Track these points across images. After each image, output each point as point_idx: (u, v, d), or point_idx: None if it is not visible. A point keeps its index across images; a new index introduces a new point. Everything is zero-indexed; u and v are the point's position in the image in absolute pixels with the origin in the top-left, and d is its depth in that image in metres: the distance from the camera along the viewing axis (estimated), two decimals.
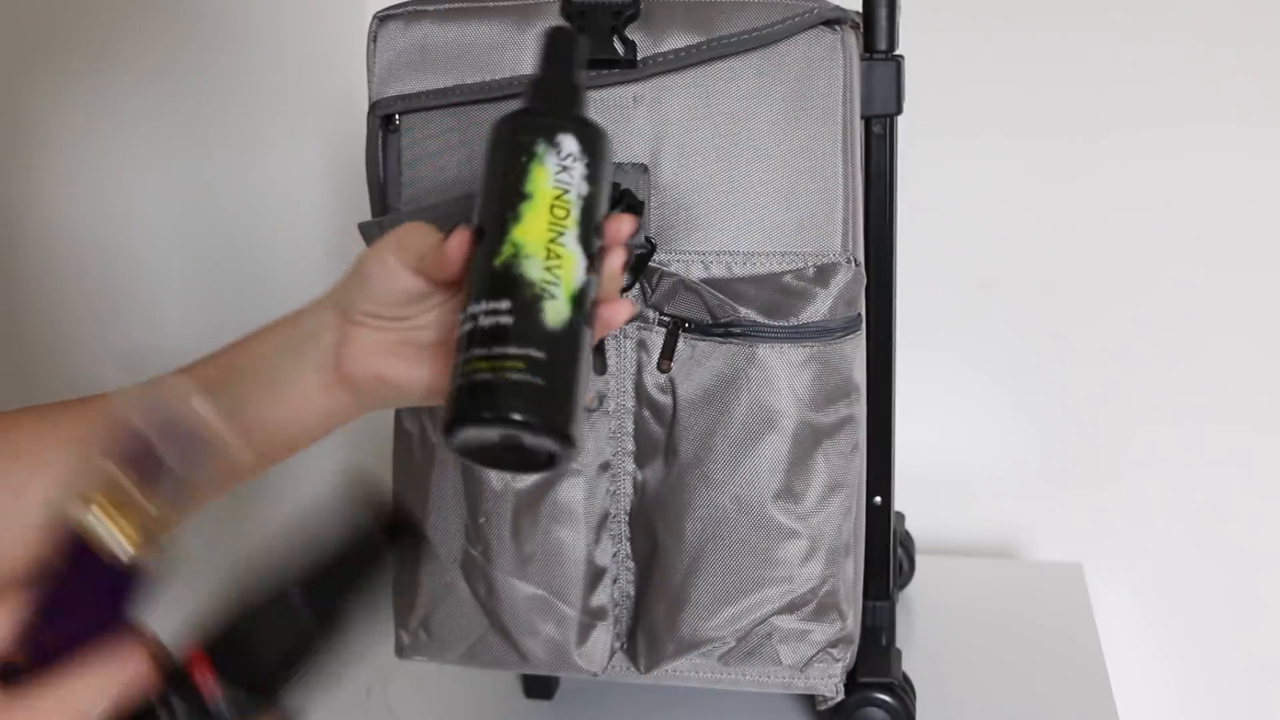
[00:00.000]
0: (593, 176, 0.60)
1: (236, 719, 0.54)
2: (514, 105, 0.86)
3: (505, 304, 0.56)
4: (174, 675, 0.54)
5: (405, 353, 0.63)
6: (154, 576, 0.53)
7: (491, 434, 0.55)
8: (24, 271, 0.91)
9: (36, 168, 0.90)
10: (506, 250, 0.57)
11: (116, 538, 0.51)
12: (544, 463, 0.57)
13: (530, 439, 0.55)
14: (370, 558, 0.56)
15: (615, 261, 0.60)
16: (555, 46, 0.64)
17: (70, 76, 0.93)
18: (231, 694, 0.54)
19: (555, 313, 0.56)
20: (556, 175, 0.59)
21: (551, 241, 0.58)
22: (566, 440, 0.55)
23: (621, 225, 0.61)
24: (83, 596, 0.52)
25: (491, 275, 0.57)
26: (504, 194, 0.59)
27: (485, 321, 0.56)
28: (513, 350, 0.55)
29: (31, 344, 0.93)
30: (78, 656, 0.51)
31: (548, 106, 0.62)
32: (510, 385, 0.54)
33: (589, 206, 0.59)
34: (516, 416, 0.54)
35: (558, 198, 0.58)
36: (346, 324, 0.63)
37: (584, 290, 0.58)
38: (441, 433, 0.56)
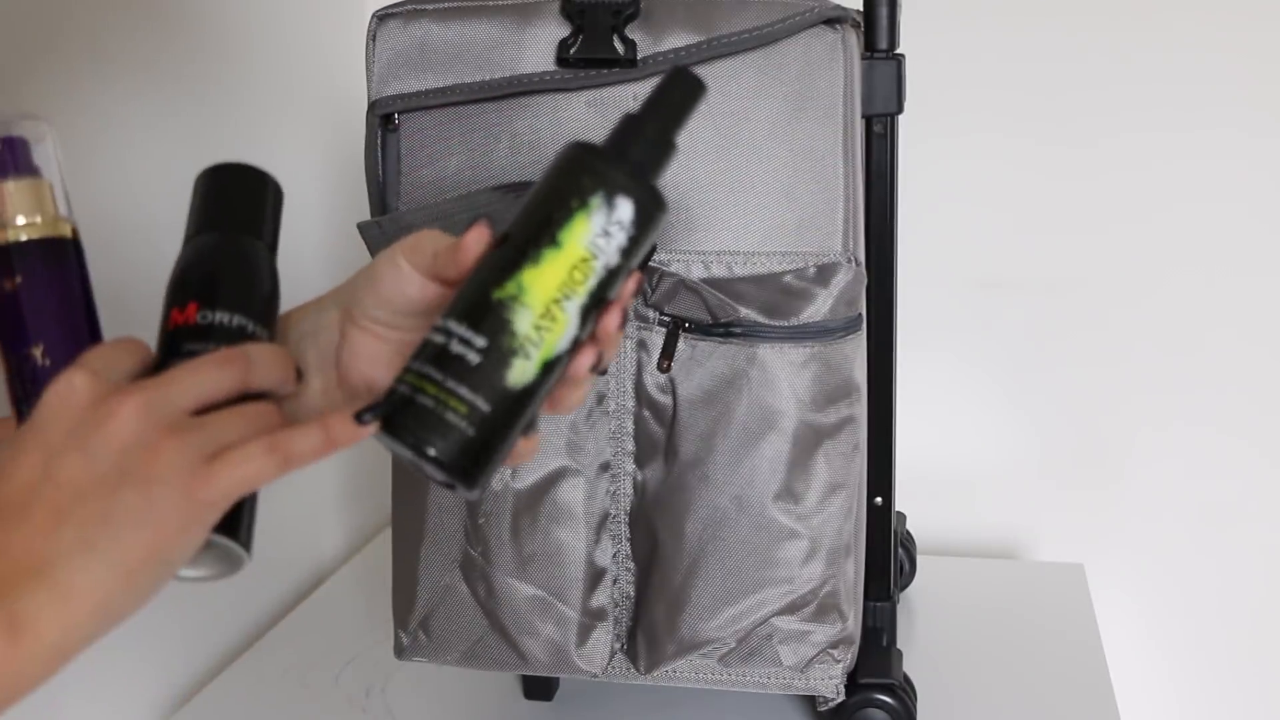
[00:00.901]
0: (629, 251, 0.57)
1: (228, 331, 0.58)
2: (512, 105, 0.86)
3: (481, 342, 0.55)
4: (164, 336, 0.59)
5: (399, 366, 0.62)
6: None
7: (406, 449, 0.55)
8: None
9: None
10: (509, 288, 0.55)
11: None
12: (440, 482, 0.57)
13: (437, 474, 0.56)
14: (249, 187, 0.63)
15: (611, 321, 0.58)
16: (675, 92, 0.59)
17: (70, 78, 0.93)
18: (214, 315, 0.58)
19: (521, 373, 0.55)
20: (595, 238, 0.56)
21: (555, 302, 0.56)
22: (471, 485, 0.56)
23: (627, 283, 0.59)
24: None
25: (483, 303, 0.56)
26: (538, 227, 0.56)
27: (455, 348, 0.55)
28: (464, 393, 0.54)
29: None
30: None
31: (628, 158, 0.57)
32: (444, 424, 0.54)
33: (608, 279, 0.57)
34: (433, 453, 0.54)
35: (584, 260, 0.56)
36: (349, 325, 0.62)
37: (559, 359, 0.56)
38: (365, 410, 0.56)
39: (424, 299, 0.61)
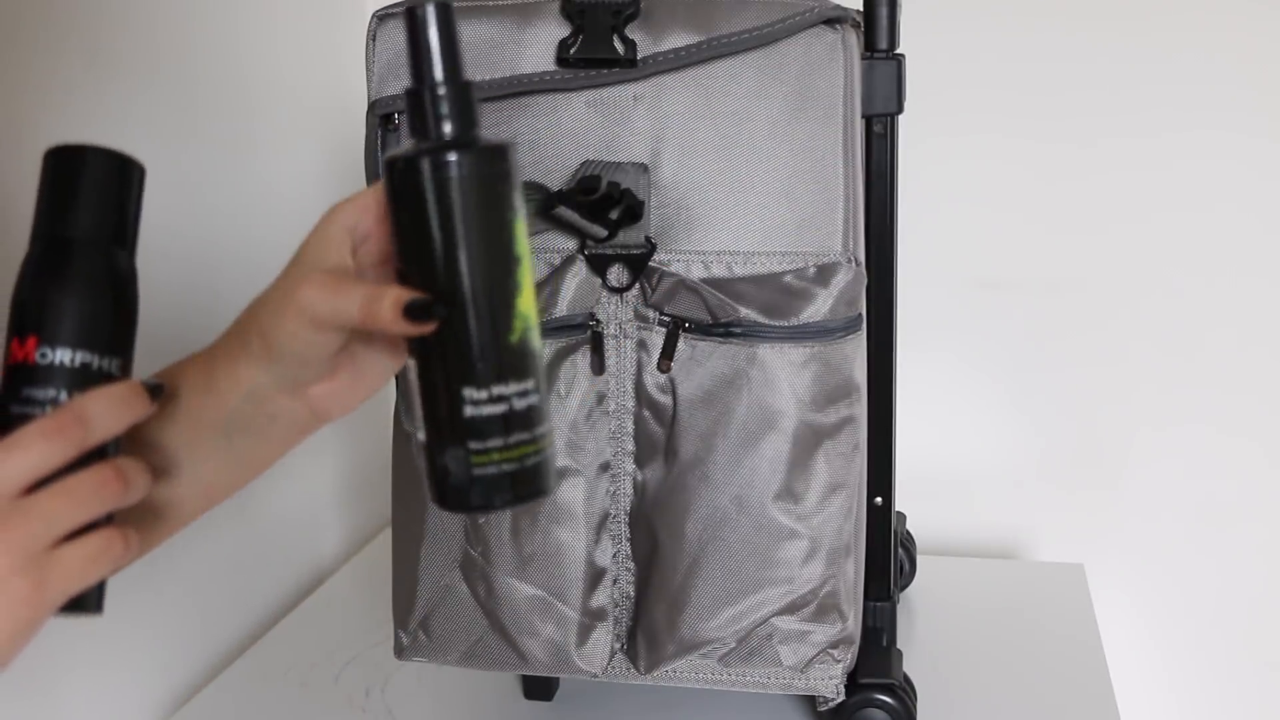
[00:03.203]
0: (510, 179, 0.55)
1: (71, 373, 0.53)
2: (512, 105, 0.86)
3: (530, 383, 0.54)
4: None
5: (361, 373, 0.61)
6: None
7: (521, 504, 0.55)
8: None
9: (36, 169, 0.90)
10: (518, 326, 0.54)
11: None
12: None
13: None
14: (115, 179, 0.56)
15: None
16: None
17: (70, 77, 0.93)
18: (55, 353, 0.53)
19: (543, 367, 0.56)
20: (526, 231, 0.55)
21: (535, 300, 0.55)
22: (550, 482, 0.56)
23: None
24: None
25: (508, 353, 0.53)
26: (497, 256, 0.53)
27: (519, 404, 0.53)
28: (540, 430, 0.54)
29: None
30: None
31: (433, 132, 0.54)
32: (529, 470, 0.54)
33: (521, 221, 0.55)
34: (529, 498, 0.54)
35: (529, 254, 0.55)
36: (297, 396, 0.59)
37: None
38: (439, 504, 0.55)
39: (335, 341, 0.57)
